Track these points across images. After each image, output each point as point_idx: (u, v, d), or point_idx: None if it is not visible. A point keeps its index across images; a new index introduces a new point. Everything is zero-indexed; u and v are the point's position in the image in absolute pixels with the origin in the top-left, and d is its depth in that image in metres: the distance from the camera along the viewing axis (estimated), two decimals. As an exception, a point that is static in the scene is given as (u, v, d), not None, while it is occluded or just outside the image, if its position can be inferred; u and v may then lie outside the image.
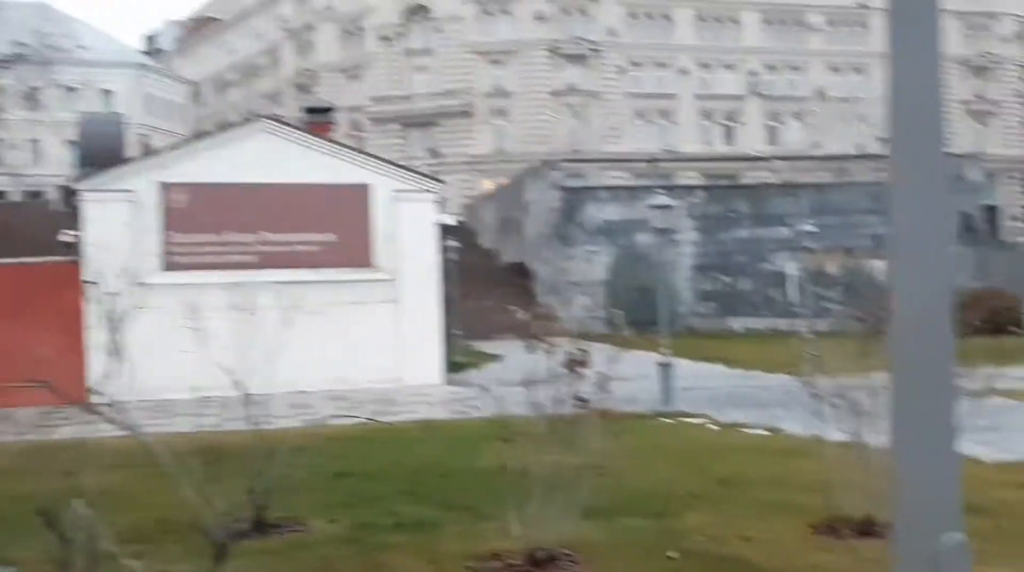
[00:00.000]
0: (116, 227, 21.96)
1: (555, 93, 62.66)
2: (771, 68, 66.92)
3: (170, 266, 23.02)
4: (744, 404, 19.04)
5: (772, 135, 65.92)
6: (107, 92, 62.40)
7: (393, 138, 63.88)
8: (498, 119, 62.96)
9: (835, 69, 67.36)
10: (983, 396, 18.56)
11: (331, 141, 25.56)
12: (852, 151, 53.06)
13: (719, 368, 27.48)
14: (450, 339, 31.58)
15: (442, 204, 25.42)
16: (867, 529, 8.04)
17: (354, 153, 25.47)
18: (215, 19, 76.46)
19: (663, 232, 22.84)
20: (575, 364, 7.39)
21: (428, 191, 24.37)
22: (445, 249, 38.74)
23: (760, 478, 10.91)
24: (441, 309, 24.45)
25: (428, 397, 21.43)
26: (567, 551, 7.71)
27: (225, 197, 23.29)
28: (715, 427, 15.83)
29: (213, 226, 23.32)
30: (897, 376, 1.93)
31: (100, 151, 23.80)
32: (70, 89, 58.62)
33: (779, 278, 40.10)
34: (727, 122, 66.25)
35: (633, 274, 39.45)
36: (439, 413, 18.95)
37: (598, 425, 7.36)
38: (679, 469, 11.68)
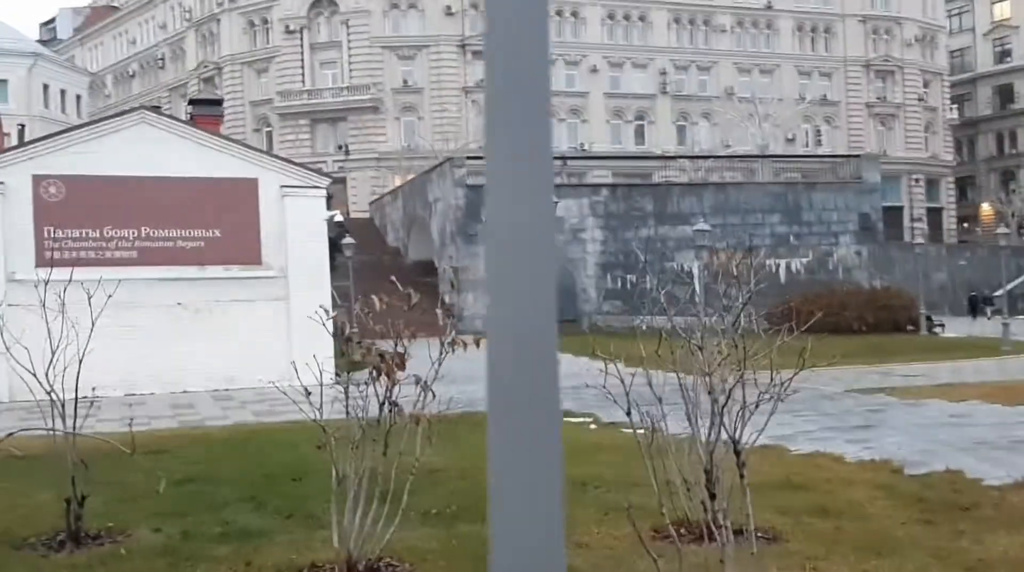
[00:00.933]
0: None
1: (465, 89, 62.22)
2: (681, 68, 67.36)
3: (44, 262, 22.04)
4: (637, 403, 18.82)
5: (682, 134, 66.35)
6: (1, 82, 60.27)
7: (301, 133, 62.89)
8: (408, 115, 62.31)
9: (743, 70, 68.06)
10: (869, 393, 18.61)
11: (218, 135, 24.76)
12: (756, 151, 53.60)
13: (620, 366, 27.31)
14: (348, 339, 30.99)
15: (333, 200, 24.77)
16: (706, 533, 7.76)
17: (240, 147, 24.78)
18: (114, 7, 74.31)
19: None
20: (384, 367, 6.94)
21: (317, 187, 23.77)
22: (341, 246, 38.24)
23: (619, 480, 10.61)
24: (332, 307, 23.84)
25: (315, 397, 20.81)
26: (394, 560, 7.33)
27: (103, 190, 22.42)
28: (594, 426, 15.55)
29: (91, 221, 22.44)
30: (493, 394, 1.53)
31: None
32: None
33: (683, 276, 40.22)
34: (638, 121, 66.50)
35: (537, 272, 39.25)
36: (322, 413, 18.34)
37: (415, 428, 6.92)
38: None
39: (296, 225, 22.97)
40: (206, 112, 26.35)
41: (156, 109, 26.45)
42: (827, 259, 40.51)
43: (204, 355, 22.35)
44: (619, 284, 39.77)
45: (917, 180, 70.32)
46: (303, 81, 62.93)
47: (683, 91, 66.50)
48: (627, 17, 66.55)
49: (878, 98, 70.64)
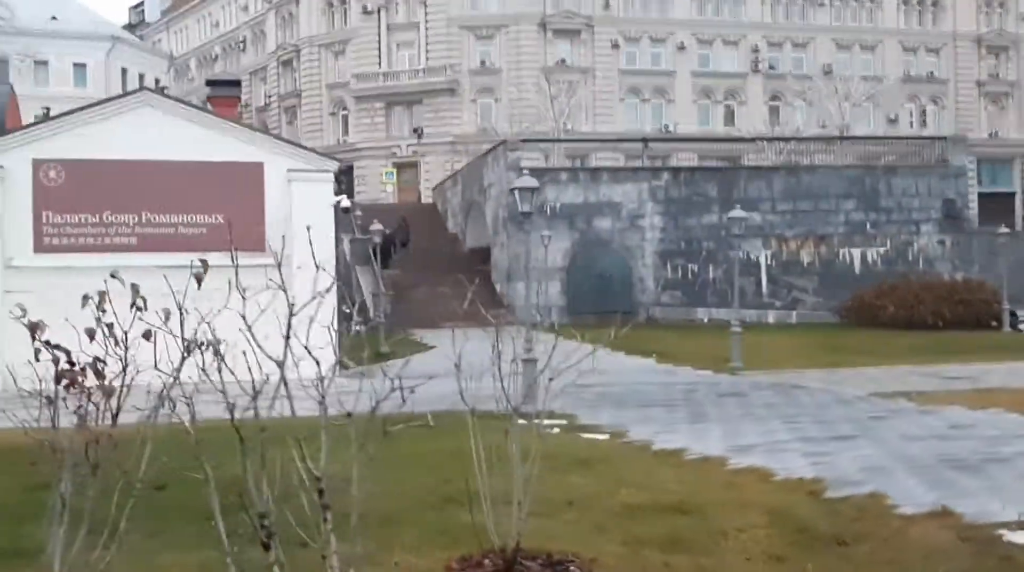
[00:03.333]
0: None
1: (544, 70, 60.69)
2: (775, 45, 64.52)
3: (43, 248, 21.67)
4: (628, 404, 17.51)
5: (774, 115, 63.51)
6: (80, 66, 61.31)
7: (376, 116, 62.42)
8: (484, 97, 61.16)
9: (842, 46, 64.81)
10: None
11: (230, 118, 23.94)
12: (836, 132, 50.81)
13: (648, 362, 25.86)
14: (375, 328, 30.06)
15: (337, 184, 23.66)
16: (510, 564, 6.51)
17: (246, 130, 23.95)
18: (201, -11, 75.12)
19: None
20: (71, 375, 5.66)
21: (325, 171, 22.77)
22: (364, 231, 37.29)
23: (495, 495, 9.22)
24: (337, 296, 22.90)
25: (308, 391, 19.85)
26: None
27: (104, 175, 21.87)
28: (556, 430, 14.19)
29: (90, 206, 21.91)
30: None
31: (-20, 124, 22.44)
32: (39, 63, 57.51)
33: (749, 266, 38.14)
34: (727, 101, 64.00)
35: (593, 261, 37.74)
36: (301, 409, 17.37)
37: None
38: (423, 481, 10.02)
39: (302, 210, 21.98)
40: (223, 93, 25.61)
41: (161, 90, 25.78)
42: (907, 249, 37.81)
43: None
44: (679, 274, 37.91)
45: (1032, 162, 65.98)
46: (379, 63, 62.34)
47: (776, 69, 63.65)
48: (718, -9, 64.04)
49: (990, 75, 66.45)
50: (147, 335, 5.60)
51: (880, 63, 64.61)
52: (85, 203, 21.81)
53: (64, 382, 5.57)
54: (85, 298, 5.61)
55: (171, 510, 7.66)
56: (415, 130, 61.55)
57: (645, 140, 49.94)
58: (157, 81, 62.32)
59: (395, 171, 61.60)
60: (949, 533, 7.66)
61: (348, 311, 26.22)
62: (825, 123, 58.35)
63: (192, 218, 22.34)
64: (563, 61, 61.42)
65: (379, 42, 62.65)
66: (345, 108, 63.81)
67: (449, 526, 8.01)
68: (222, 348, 6.34)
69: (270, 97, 68.61)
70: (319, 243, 20.22)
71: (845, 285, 36.35)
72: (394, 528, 8.08)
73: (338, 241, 24.29)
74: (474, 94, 61.34)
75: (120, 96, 24.99)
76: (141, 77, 64.75)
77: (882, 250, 37.70)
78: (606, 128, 59.45)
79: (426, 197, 57.17)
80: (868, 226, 37.78)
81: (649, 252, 37.89)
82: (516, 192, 17.12)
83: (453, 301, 39.50)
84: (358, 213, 40.72)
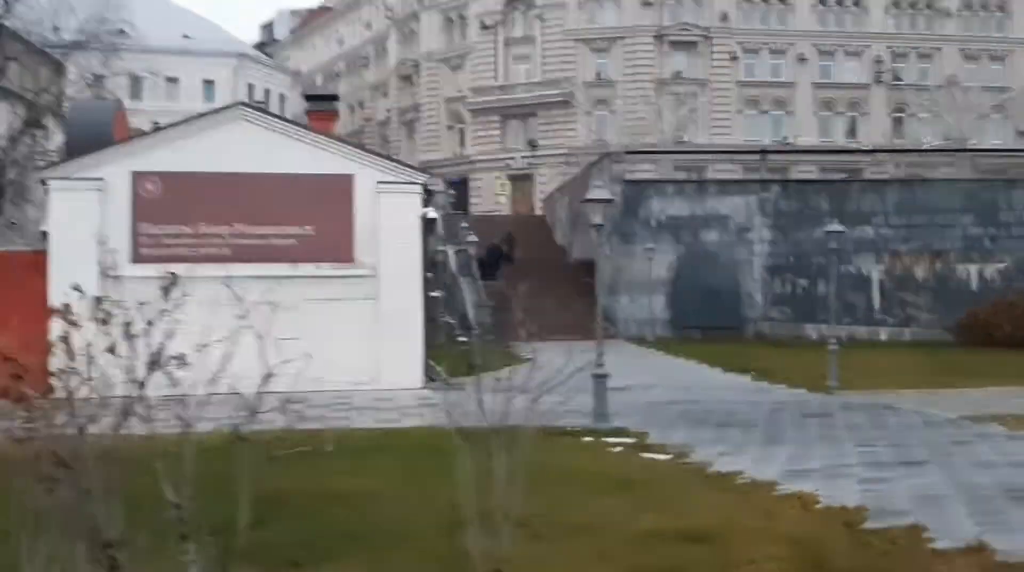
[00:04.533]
0: (85, 217, 21.39)
1: (660, 82, 60.15)
2: (899, 55, 62.49)
3: (139, 258, 22.35)
4: (708, 423, 17.01)
5: (898, 127, 61.44)
6: (208, 83, 63.58)
7: (491, 129, 62.84)
8: (599, 109, 60.91)
9: (970, 56, 62.32)
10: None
11: (325, 132, 24.30)
12: (954, 145, 48.74)
13: (743, 380, 25.17)
14: (469, 339, 30.05)
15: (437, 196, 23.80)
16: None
17: (337, 143, 24.25)
18: (328, 8, 76.98)
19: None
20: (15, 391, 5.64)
21: (414, 183, 22.93)
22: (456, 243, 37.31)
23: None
24: (423, 307, 23.06)
25: (390, 402, 20.02)
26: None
27: (199, 187, 22.45)
28: (618, 449, 13.94)
29: (185, 217, 22.53)
30: None
31: (87, 139, 23.32)
32: (170, 79, 59.87)
33: (861, 282, 36.90)
34: (850, 112, 62.25)
35: (699, 274, 37.08)
36: (367, 421, 17.61)
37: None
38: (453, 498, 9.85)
39: (390, 222, 22.24)
40: (320, 107, 26.05)
41: (260, 105, 26.39)
42: (1028, 266, 36.04)
43: (292, 355, 22.01)
44: (789, 289, 36.91)
45: None
46: (496, 76, 62.78)
47: (901, 80, 61.57)
48: (840, 2, 62.35)
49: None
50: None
51: (1009, 74, 61.84)
52: (181, 214, 22.44)
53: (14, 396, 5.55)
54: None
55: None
56: (529, 142, 61.75)
57: (763, 151, 48.99)
58: (282, 96, 64.14)
59: (509, 183, 61.89)
60: (975, 570, 7.15)
61: (451, 322, 26.32)
62: (949, 136, 56.13)
63: (283, 230, 22.77)
64: (679, 73, 60.76)
65: (495, 56, 63.12)
66: (462, 121, 64.47)
67: (449, 551, 7.82)
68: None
69: (390, 111, 69.82)
70: (407, 254, 20.35)
71: (961, 302, 34.79)
72: (391, 551, 7.98)
73: (426, 251, 24.38)
74: (589, 106, 61.17)
75: (217, 110, 25.66)
76: (267, 92, 66.78)
77: (1001, 266, 35.97)
78: (723, 140, 58.49)
79: (539, 209, 57.24)
80: (986, 241, 36.11)
81: (757, 266, 37.03)
82: (588, 206, 16.83)
83: (556, 313, 39.40)
84: (464, 224, 40.96)
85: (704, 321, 36.49)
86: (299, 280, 22.45)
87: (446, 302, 36.13)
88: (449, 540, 7.25)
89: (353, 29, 74.54)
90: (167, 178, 22.31)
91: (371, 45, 72.20)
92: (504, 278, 40.16)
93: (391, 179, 22.61)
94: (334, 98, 28.55)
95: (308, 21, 79.68)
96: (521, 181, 62.22)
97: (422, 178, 23.34)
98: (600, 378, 15.90)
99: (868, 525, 8.68)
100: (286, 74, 73.36)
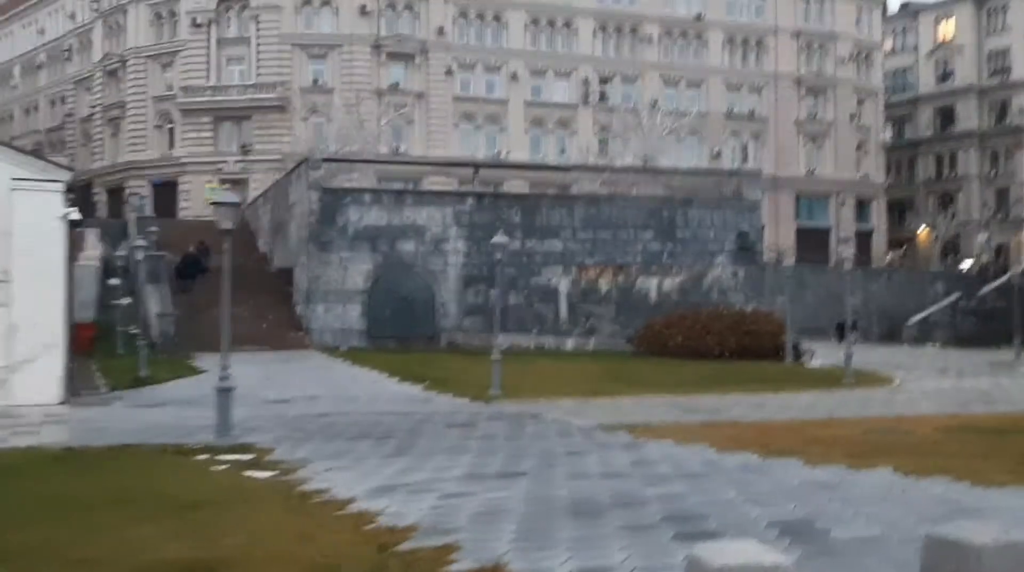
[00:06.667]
0: None
1: (377, 92, 60.09)
2: (605, 78, 65.38)
3: None
4: (344, 436, 16.74)
5: (603, 146, 64.21)
6: None
7: (204, 131, 60.72)
8: (316, 116, 60.10)
9: (669, 82, 66.12)
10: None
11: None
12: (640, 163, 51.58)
13: (415, 390, 25.30)
14: (137, 350, 28.63)
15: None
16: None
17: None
18: (26, -5, 72.25)
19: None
20: None
21: (56, 181, 21.44)
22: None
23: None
24: (67, 317, 21.61)
25: (10, 419, 18.45)
26: None
27: None
28: (224, 467, 13.40)
29: None
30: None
31: None
32: None
33: (549, 293, 38.14)
34: (559, 130, 64.46)
35: (395, 284, 37.12)
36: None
37: None
38: None
39: (26, 223, 20.65)
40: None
41: None
42: (701, 280, 38.42)
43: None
44: (482, 299, 37.59)
45: (844, 201, 68.38)
46: (208, 77, 60.76)
47: (607, 102, 64.41)
48: (551, 23, 64.54)
49: (809, 115, 68.77)
50: None
51: (705, 99, 66.14)
52: None
53: None
54: None
55: None
56: (243, 146, 60.08)
57: (475, 165, 49.87)
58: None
59: (218, 187, 59.86)
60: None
61: (135, 331, 24.63)
62: (652, 156, 59.20)
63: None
64: (396, 84, 60.95)
65: (208, 55, 61.09)
66: (171, 121, 61.98)
67: None
68: None
69: (94, 108, 66.11)
70: (46, 258, 18.84)
71: (641, 314, 36.68)
72: None
73: (73, 256, 22.93)
74: (305, 112, 60.29)
75: None
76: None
77: (678, 280, 38.19)
78: (440, 152, 59.21)
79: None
80: (665, 256, 38.24)
81: (452, 277, 37.54)
82: (218, 210, 16.19)
83: (250, 323, 38.35)
84: (153, 228, 39.19)
85: (400, 331, 36.62)
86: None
87: (133, 311, 34.39)
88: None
89: (55, 20, 70.17)
90: None
91: (75, 37, 68.26)
92: (199, 287, 38.73)
93: (27, 176, 21.04)
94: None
95: (6, 8, 74.30)
96: (234, 186, 60.33)
97: (65, 176, 21.85)
98: (224, 392, 15.34)
99: (407, 546, 8.61)
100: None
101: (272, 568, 7.89)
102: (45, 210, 20.95)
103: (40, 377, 20.59)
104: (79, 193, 60.50)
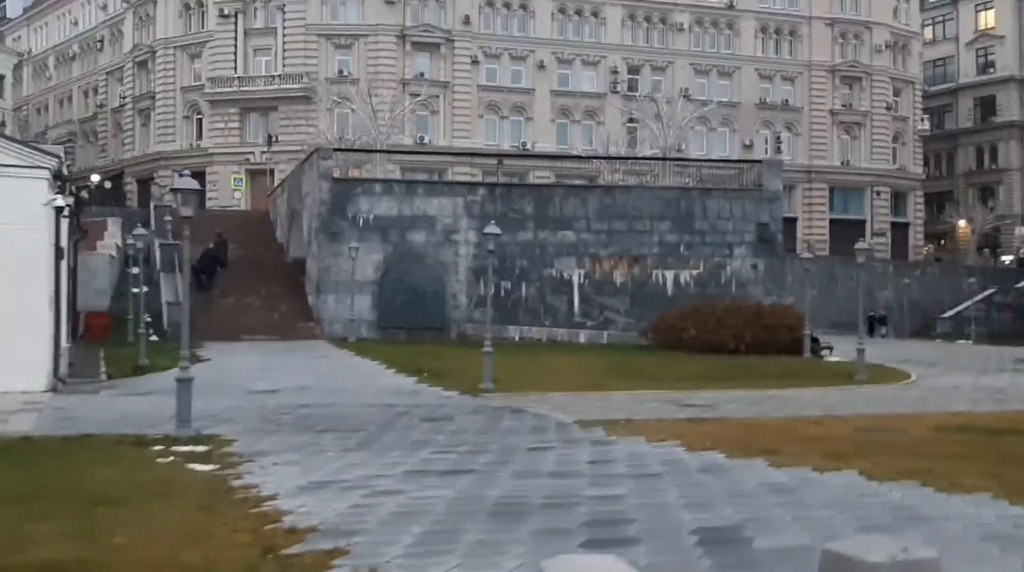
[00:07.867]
0: None
1: (403, 82, 59.79)
2: (634, 67, 64.55)
3: None
4: (315, 429, 16.38)
5: (632, 136, 63.41)
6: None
7: (231, 122, 60.84)
8: (341, 106, 59.86)
9: (700, 71, 65.15)
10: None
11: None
12: (660, 153, 50.75)
13: (408, 382, 24.95)
14: (148, 338, 28.68)
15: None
16: None
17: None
18: (61, -13, 72.82)
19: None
20: None
21: (39, 167, 21.24)
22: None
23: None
24: (65, 305, 21.50)
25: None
26: None
27: None
28: (169, 459, 13.06)
29: None
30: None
31: None
32: None
33: (562, 285, 37.58)
34: (586, 120, 63.75)
35: (406, 275, 36.79)
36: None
37: None
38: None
39: (8, 209, 20.48)
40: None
41: None
42: (720, 272, 37.64)
43: None
44: (493, 290, 37.10)
45: (879, 193, 67.01)
46: (235, 68, 60.83)
47: (635, 91, 63.59)
48: (579, 12, 63.81)
49: (843, 105, 67.44)
50: None
51: (737, 89, 65.10)
52: None
53: None
54: None
55: None
56: (269, 137, 60.10)
57: (499, 156, 49.50)
58: (2, 78, 59.57)
59: (244, 178, 60.07)
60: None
61: (150, 319, 24.31)
62: (682, 146, 58.29)
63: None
64: (422, 74, 60.59)
65: (235, 47, 61.16)
66: (199, 112, 62.17)
67: None
68: None
69: (125, 98, 66.51)
70: (30, 245, 18.63)
71: (657, 306, 36.01)
72: None
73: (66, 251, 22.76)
74: (331, 103, 60.04)
75: None
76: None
77: (695, 272, 37.47)
78: (464, 143, 58.83)
79: (270, 205, 55.81)
80: (682, 248, 37.52)
81: (463, 268, 37.13)
82: (178, 195, 15.73)
83: (263, 313, 38.24)
84: (168, 218, 39.18)
85: (409, 322, 36.32)
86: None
87: (150, 300, 34.36)
88: None
89: (88, 11, 70.72)
90: None
91: (106, 28, 68.72)
92: (218, 281, 38.68)
93: (11, 162, 20.87)
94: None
95: (41, 0, 75.00)
96: (261, 176, 60.52)
97: (51, 163, 21.65)
98: (184, 382, 15.03)
99: (295, 548, 8.20)
100: (9, 55, 68.59)
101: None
102: (29, 197, 20.79)
103: (24, 365, 20.45)
104: (113, 182, 61.09)
